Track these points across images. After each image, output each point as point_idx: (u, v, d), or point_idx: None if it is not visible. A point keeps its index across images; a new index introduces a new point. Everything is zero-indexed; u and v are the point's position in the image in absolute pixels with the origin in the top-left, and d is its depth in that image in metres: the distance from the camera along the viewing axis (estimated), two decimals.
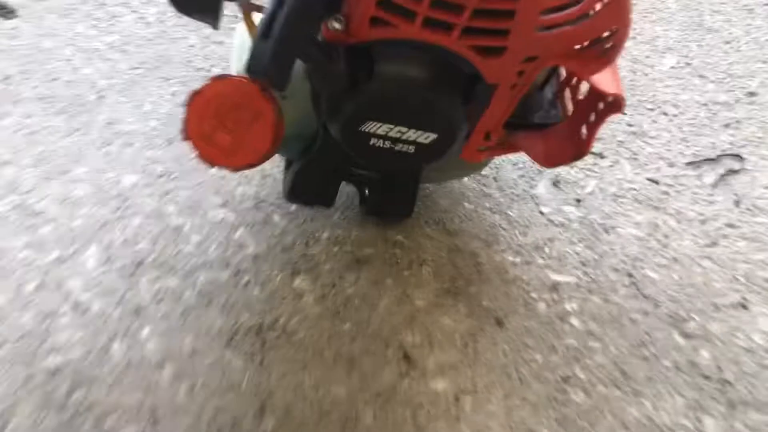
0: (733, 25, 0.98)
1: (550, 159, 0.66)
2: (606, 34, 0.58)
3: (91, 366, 0.63)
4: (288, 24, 0.49)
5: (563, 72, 0.70)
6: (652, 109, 0.87)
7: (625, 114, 0.85)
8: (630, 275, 0.73)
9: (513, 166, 0.81)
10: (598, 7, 0.56)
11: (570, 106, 0.69)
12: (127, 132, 0.82)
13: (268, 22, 0.50)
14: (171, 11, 0.96)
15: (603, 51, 0.59)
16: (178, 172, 0.78)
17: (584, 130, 0.65)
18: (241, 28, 0.67)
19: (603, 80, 0.60)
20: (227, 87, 0.56)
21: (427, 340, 0.66)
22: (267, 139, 0.57)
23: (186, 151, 0.78)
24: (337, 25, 0.54)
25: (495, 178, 0.80)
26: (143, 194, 0.76)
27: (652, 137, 0.85)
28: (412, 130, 0.60)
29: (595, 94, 0.64)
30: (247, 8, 0.57)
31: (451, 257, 0.73)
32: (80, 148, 0.80)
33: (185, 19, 0.95)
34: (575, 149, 0.65)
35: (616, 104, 0.60)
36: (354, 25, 0.54)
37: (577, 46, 0.58)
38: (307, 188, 0.70)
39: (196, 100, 0.57)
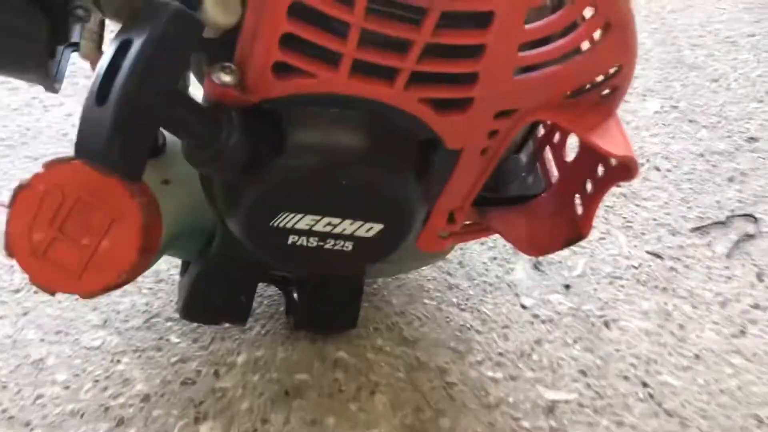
0: (717, 60, 0.84)
1: (536, 245, 0.49)
2: (603, 75, 0.42)
3: None
4: (136, 75, 0.31)
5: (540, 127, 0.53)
6: (641, 164, 0.72)
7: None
8: (644, 384, 0.55)
9: (482, 246, 0.64)
10: (594, 38, 0.40)
11: (554, 171, 0.52)
12: None
13: (105, 77, 0.32)
14: None
15: (601, 98, 0.43)
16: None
17: (579, 202, 0.48)
18: None
19: (604, 136, 0.43)
20: (68, 176, 0.38)
21: None
22: (132, 249, 0.39)
23: None
24: (227, 78, 0.37)
25: (461, 263, 0.63)
26: None
27: (645, 199, 0.69)
28: (347, 221, 0.42)
29: (592, 155, 0.47)
30: (96, 61, 0.39)
31: (413, 378, 0.54)
32: None
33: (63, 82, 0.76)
34: (570, 230, 0.48)
35: (625, 169, 0.43)
36: (252, 76, 0.37)
37: (568, 93, 0.42)
38: (209, 301, 0.51)
39: (22, 198, 0.38)
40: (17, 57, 0.38)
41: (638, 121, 0.76)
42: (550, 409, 0.53)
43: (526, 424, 0.52)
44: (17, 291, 0.58)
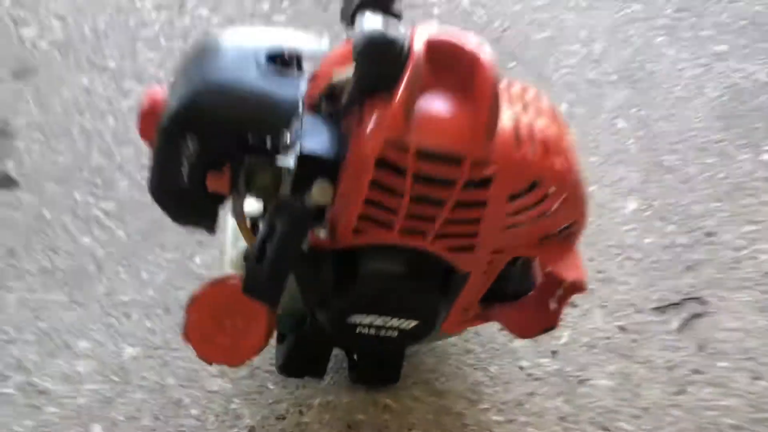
0: (688, 164, 1.06)
1: (524, 330, 0.71)
2: (564, 226, 0.64)
3: None
4: (281, 248, 0.55)
5: None
6: (618, 254, 0.94)
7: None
8: (605, 428, 0.77)
9: None
10: (556, 205, 0.62)
11: (539, 276, 0.74)
12: (125, 302, 0.86)
13: (261, 246, 0.55)
14: None
15: (564, 238, 0.65)
16: (176, 342, 0.82)
17: (553, 302, 0.70)
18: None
19: (564, 264, 0.65)
20: (222, 292, 0.61)
21: None
22: (262, 336, 0.62)
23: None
24: (323, 234, 0.60)
25: (476, 332, 0.85)
26: (144, 367, 0.80)
27: (620, 283, 0.91)
28: (395, 319, 0.65)
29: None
30: (242, 219, 0.63)
31: (438, 419, 0.77)
32: (82, 321, 0.84)
33: None
34: (546, 321, 0.70)
35: (577, 287, 0.65)
36: (339, 234, 0.60)
37: (539, 238, 0.64)
38: (299, 363, 0.74)
39: (194, 305, 0.62)
40: (195, 216, 0.62)
41: (619, 218, 0.98)
42: None
43: None
44: (159, 348, 0.82)
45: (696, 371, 0.83)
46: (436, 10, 1.32)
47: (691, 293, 0.90)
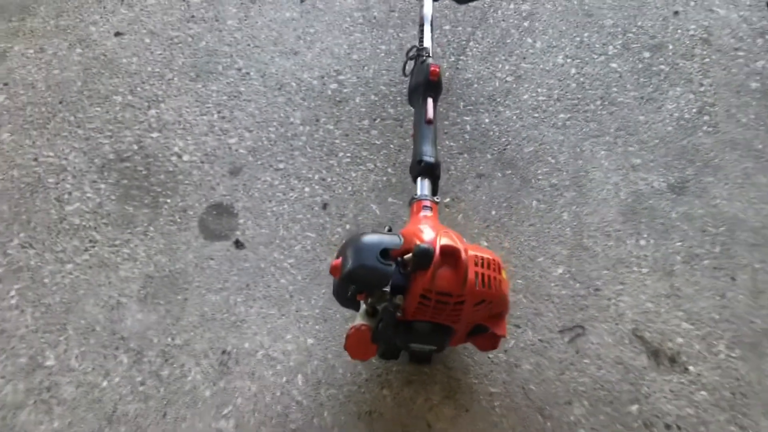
0: (597, 245, 1.95)
1: (482, 348, 1.67)
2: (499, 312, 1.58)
3: None
4: (385, 321, 1.50)
5: None
6: (546, 300, 1.86)
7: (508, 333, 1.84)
8: (522, 387, 1.72)
9: None
10: (493, 306, 1.55)
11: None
12: (305, 316, 1.84)
13: (379, 319, 1.50)
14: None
15: (499, 315, 1.59)
16: (331, 337, 1.79)
17: (496, 338, 1.65)
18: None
19: (499, 325, 1.59)
20: (360, 332, 1.57)
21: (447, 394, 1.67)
22: (375, 350, 1.58)
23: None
24: (398, 313, 1.55)
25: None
26: (318, 348, 1.78)
27: (543, 316, 1.83)
28: (428, 345, 1.60)
29: None
30: (367, 303, 1.58)
31: (448, 381, 1.73)
32: (285, 324, 1.82)
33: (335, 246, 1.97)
34: (493, 346, 1.65)
35: (502, 336, 1.59)
36: (406, 314, 1.55)
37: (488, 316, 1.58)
38: (388, 353, 1.71)
39: (349, 337, 1.58)
40: (352, 305, 1.57)
41: (550, 279, 1.89)
42: (491, 394, 1.70)
43: (481, 398, 1.70)
44: (322, 339, 1.80)
45: (571, 364, 1.76)
46: (468, 127, 2.19)
47: (579, 323, 1.82)
